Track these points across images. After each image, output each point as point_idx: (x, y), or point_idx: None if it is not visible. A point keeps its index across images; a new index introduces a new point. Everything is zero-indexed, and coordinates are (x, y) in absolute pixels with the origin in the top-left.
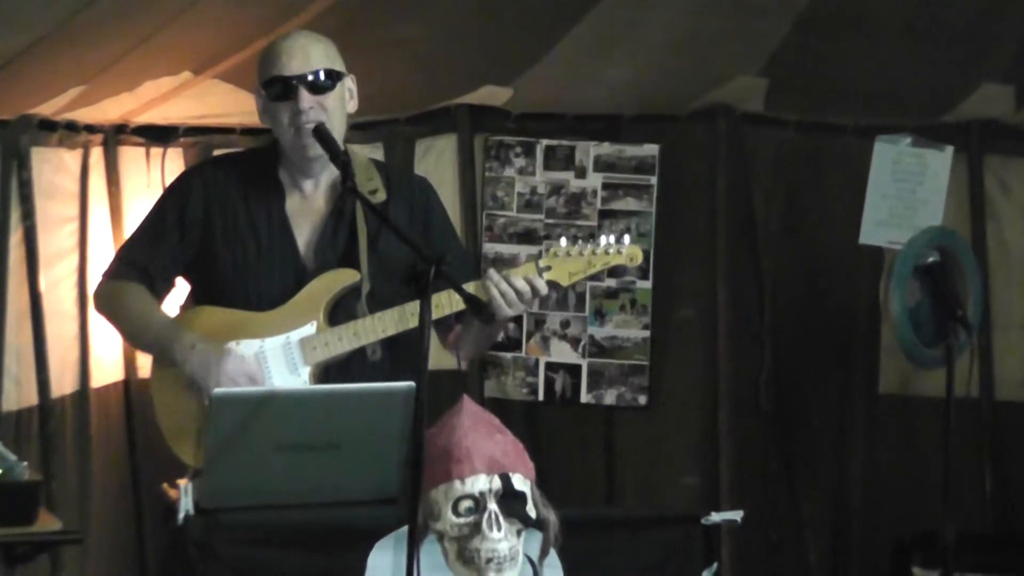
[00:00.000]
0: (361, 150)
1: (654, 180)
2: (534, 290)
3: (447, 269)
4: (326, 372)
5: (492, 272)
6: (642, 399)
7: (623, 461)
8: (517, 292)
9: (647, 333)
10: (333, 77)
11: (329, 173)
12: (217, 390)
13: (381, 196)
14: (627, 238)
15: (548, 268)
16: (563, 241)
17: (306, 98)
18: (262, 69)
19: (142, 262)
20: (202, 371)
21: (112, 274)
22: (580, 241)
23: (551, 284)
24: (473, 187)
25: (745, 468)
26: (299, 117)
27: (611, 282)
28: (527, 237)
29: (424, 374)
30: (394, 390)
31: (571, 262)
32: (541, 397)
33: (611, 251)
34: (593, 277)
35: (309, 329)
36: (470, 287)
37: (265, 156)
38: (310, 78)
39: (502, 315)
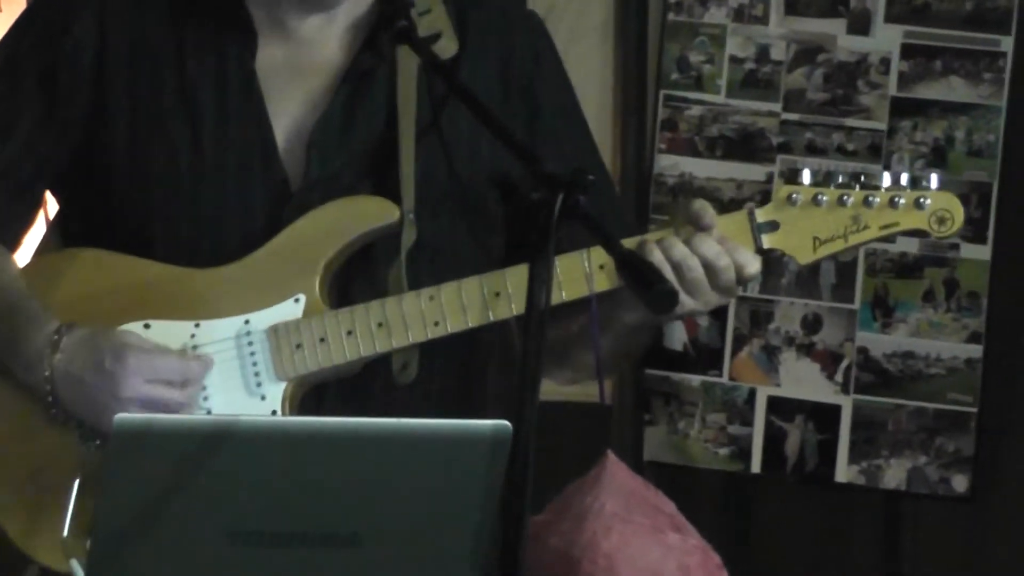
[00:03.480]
0: None
1: (1008, 43)
2: (738, 268)
3: (590, 202)
4: (315, 397)
5: (658, 236)
6: (960, 482)
7: None
8: (707, 267)
9: (979, 349)
10: None
11: (350, 3)
12: (120, 416)
13: (448, 46)
14: (934, 178)
15: (773, 226)
16: (807, 173)
17: None
18: None
19: None
20: (83, 388)
21: None
22: (842, 176)
23: (774, 257)
24: (640, 42)
25: None
26: None
27: (909, 244)
28: (744, 148)
29: (533, 405)
30: (475, 432)
31: (819, 216)
32: (757, 467)
33: (900, 202)
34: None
35: (289, 309)
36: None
37: None
38: None
39: (680, 308)
